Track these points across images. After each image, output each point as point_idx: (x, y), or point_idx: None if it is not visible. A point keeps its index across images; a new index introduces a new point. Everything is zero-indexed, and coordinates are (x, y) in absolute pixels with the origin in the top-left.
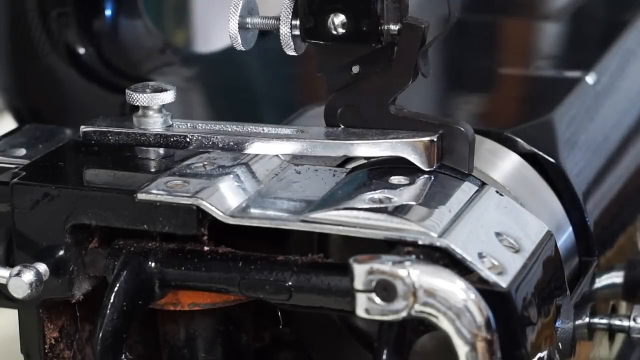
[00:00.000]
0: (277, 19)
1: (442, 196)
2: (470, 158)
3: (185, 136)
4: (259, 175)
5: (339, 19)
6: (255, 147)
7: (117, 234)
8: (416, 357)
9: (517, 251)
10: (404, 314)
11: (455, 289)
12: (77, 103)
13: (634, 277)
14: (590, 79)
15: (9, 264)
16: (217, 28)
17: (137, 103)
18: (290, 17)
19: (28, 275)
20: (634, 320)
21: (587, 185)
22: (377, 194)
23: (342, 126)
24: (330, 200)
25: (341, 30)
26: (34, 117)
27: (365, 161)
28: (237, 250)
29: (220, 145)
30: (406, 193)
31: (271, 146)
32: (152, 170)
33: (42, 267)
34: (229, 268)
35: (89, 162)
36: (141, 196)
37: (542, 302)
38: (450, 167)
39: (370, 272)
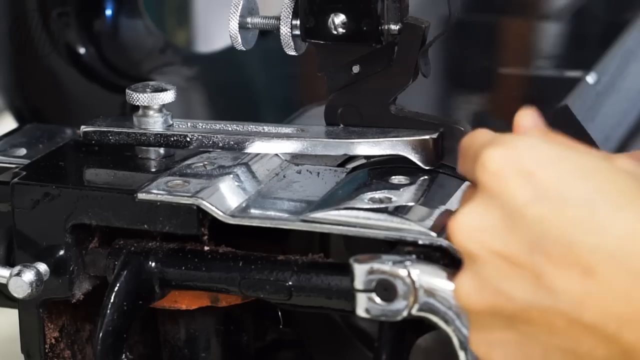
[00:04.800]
0: (278, 18)
1: (443, 196)
2: None
3: (186, 136)
4: (259, 175)
5: (340, 18)
6: (255, 146)
7: (118, 233)
8: (417, 355)
9: None
10: (404, 313)
11: None
12: (77, 103)
13: None
14: (590, 78)
15: (9, 263)
16: (218, 28)
17: (138, 103)
18: (290, 16)
19: (28, 275)
20: None
21: None
22: (378, 194)
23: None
24: (330, 200)
25: (341, 30)
26: (35, 117)
27: (366, 161)
28: (237, 250)
29: (221, 144)
30: (406, 193)
31: (272, 145)
32: (153, 170)
33: (43, 267)
34: (230, 268)
35: (89, 161)
36: (141, 196)
37: None
38: (451, 167)
39: (371, 271)
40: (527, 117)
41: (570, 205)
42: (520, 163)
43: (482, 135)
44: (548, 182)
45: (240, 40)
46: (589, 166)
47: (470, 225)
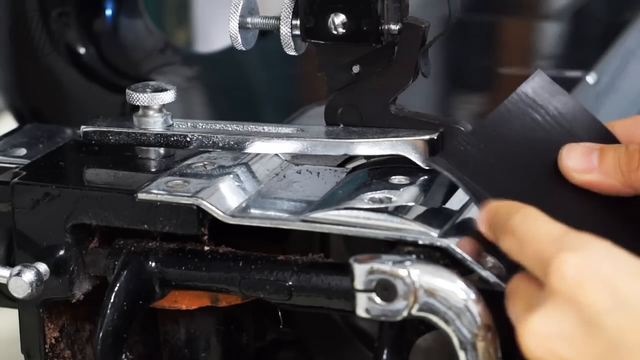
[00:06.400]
0: (278, 18)
1: (443, 196)
2: None
3: (186, 136)
4: (259, 175)
5: (340, 18)
6: (255, 146)
7: (118, 233)
8: (417, 355)
9: None
10: (404, 313)
11: (455, 288)
12: (77, 103)
13: None
14: (590, 78)
15: (9, 263)
16: (218, 28)
17: (138, 103)
18: (290, 16)
19: (28, 275)
20: None
21: None
22: (378, 194)
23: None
24: (330, 200)
25: (341, 30)
26: (35, 117)
27: (366, 161)
28: (237, 250)
29: (221, 144)
30: (406, 193)
31: (272, 145)
32: (153, 170)
33: (43, 267)
34: (230, 268)
35: (89, 161)
36: (141, 196)
37: None
38: None
39: (371, 271)
40: None
41: None
42: (598, 270)
43: (546, 231)
44: (626, 289)
45: (240, 40)
46: None
47: (543, 332)
